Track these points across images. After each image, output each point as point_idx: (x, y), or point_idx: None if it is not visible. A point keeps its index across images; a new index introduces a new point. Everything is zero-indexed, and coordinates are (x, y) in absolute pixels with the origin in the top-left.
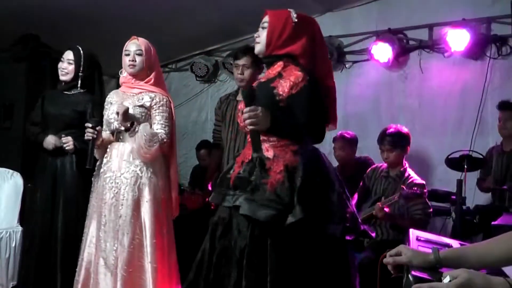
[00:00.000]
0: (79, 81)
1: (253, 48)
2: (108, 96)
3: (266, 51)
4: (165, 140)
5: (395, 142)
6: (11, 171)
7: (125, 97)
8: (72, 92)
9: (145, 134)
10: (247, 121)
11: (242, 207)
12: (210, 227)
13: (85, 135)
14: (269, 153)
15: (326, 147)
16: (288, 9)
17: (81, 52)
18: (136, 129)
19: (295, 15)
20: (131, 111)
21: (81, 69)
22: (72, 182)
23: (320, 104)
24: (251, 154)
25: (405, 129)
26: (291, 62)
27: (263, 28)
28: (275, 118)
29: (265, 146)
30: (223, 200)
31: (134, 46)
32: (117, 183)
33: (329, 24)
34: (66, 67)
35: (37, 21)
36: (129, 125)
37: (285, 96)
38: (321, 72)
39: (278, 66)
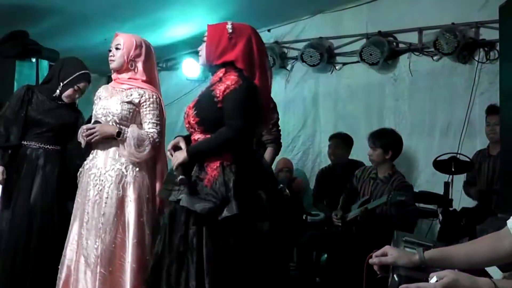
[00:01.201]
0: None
1: None
2: (97, 91)
3: (207, 63)
4: (157, 140)
5: (376, 141)
6: None
7: (114, 93)
8: (62, 102)
9: (133, 140)
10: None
11: (182, 200)
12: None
13: (82, 135)
14: None
15: (315, 148)
16: (226, 22)
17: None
18: (125, 136)
19: (230, 26)
20: (118, 106)
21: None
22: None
23: (252, 107)
24: None
25: (390, 131)
26: (231, 69)
27: (203, 41)
28: (213, 118)
29: None
30: (170, 195)
31: (114, 42)
32: (102, 180)
33: (320, 26)
34: (77, 96)
35: (26, 18)
36: (115, 134)
37: (220, 98)
38: (258, 75)
39: (220, 72)
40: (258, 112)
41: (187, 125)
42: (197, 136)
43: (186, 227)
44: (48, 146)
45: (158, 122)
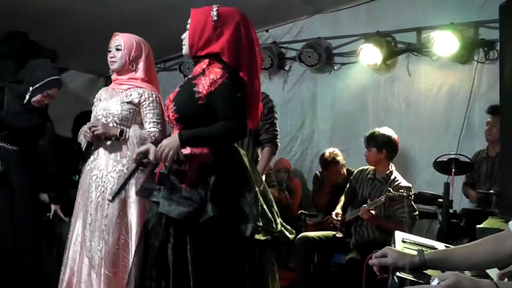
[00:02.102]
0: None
1: None
2: (98, 93)
3: (190, 53)
4: (159, 139)
5: (370, 141)
6: None
7: (113, 94)
8: (29, 107)
9: (136, 139)
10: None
11: (160, 205)
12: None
13: (84, 135)
14: (186, 151)
15: (314, 148)
16: (212, 6)
17: None
18: (127, 135)
19: (215, 12)
20: (118, 107)
21: None
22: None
23: (240, 101)
24: None
25: (384, 131)
26: (216, 60)
27: (187, 29)
28: (193, 115)
29: None
30: (150, 195)
31: (114, 42)
32: (104, 182)
33: (318, 26)
34: (48, 102)
35: (24, 19)
36: (118, 134)
37: (204, 94)
38: (245, 68)
39: (204, 63)
40: (247, 106)
41: (167, 119)
42: (176, 133)
43: (167, 232)
44: (8, 146)
45: (159, 121)
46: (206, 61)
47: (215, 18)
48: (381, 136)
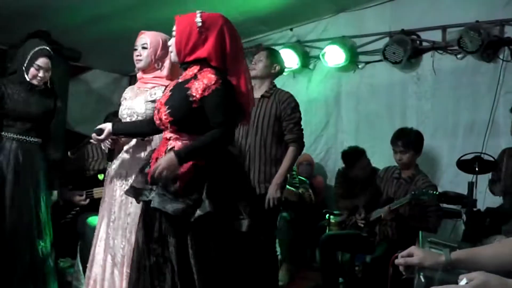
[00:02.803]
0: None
1: (268, 47)
2: (124, 92)
3: (179, 59)
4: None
5: (409, 144)
6: None
7: (138, 93)
8: (37, 89)
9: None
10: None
11: (153, 201)
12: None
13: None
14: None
15: (338, 147)
16: (196, 12)
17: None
18: (151, 137)
19: (199, 18)
20: (142, 106)
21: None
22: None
23: (232, 106)
24: (164, 151)
25: (418, 131)
26: (206, 65)
27: (173, 36)
28: (187, 118)
29: (177, 144)
30: (139, 195)
31: (140, 41)
32: (127, 180)
33: (342, 25)
34: (45, 75)
35: (48, 18)
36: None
37: (198, 97)
38: (232, 71)
39: (195, 68)
40: (237, 111)
41: (158, 122)
42: (169, 135)
43: (160, 229)
44: (26, 138)
45: None
46: (197, 66)
47: (200, 24)
48: (420, 139)
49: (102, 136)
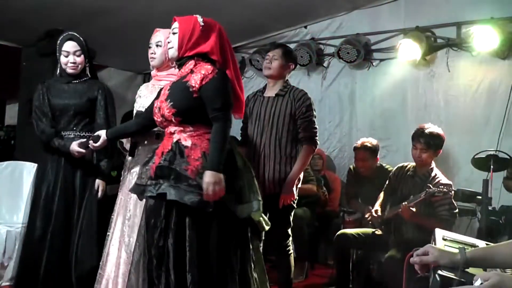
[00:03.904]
0: (88, 69)
1: (283, 44)
2: (139, 89)
3: (178, 54)
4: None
5: (430, 143)
6: (36, 165)
7: (153, 91)
8: (79, 80)
9: None
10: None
11: (169, 193)
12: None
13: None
14: (187, 142)
15: (352, 145)
16: (196, 15)
17: (82, 38)
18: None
19: (201, 20)
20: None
21: (88, 56)
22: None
23: (229, 93)
24: (170, 144)
25: (440, 131)
26: (201, 60)
27: (173, 33)
28: (189, 109)
29: (183, 136)
30: (144, 191)
31: (154, 38)
32: (143, 178)
33: (356, 22)
34: (75, 60)
35: (63, 17)
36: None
37: (197, 87)
38: (231, 67)
39: (190, 64)
40: (233, 101)
41: (159, 119)
42: (173, 129)
43: (167, 221)
44: (83, 134)
45: None
46: (192, 62)
47: (202, 24)
48: (442, 139)
49: (98, 143)
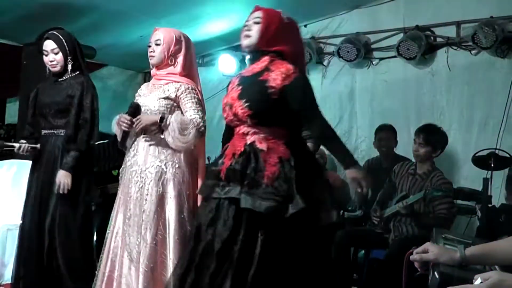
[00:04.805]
0: (69, 66)
1: None
2: (139, 89)
3: (256, 45)
4: (201, 124)
5: (429, 138)
6: None
7: (153, 89)
8: (64, 78)
9: (176, 124)
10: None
11: (243, 201)
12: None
13: (121, 125)
14: (262, 146)
15: (352, 144)
16: (279, 10)
17: (60, 36)
18: (168, 122)
19: (285, 17)
20: (156, 103)
21: (68, 53)
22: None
23: (313, 94)
24: (242, 146)
25: (444, 132)
26: (277, 58)
27: (255, 23)
28: (267, 110)
29: (257, 138)
30: (212, 192)
31: (154, 37)
32: (142, 177)
33: (357, 21)
34: (54, 58)
35: (64, 15)
36: (158, 120)
37: (278, 88)
38: (302, 72)
39: (265, 60)
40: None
41: (231, 117)
42: (246, 130)
43: (236, 227)
44: (59, 131)
45: (199, 109)
46: (267, 58)
47: (286, 21)
48: (440, 136)
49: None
